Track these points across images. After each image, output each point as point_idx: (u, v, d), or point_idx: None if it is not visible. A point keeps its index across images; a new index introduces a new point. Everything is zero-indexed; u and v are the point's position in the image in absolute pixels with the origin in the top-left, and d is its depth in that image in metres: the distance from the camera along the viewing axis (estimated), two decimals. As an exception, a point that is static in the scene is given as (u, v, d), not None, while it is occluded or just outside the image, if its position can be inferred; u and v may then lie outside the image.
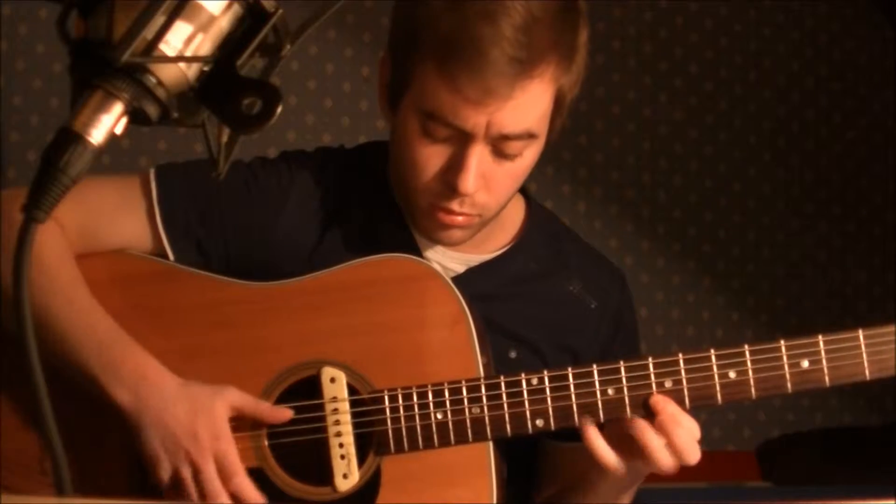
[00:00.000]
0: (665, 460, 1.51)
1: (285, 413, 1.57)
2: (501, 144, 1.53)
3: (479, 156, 1.53)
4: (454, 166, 1.53)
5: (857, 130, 4.09)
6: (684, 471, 1.55)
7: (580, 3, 1.57)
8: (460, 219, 1.59)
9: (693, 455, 1.51)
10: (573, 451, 1.63)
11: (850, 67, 4.09)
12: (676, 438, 1.50)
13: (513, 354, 1.66)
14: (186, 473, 1.54)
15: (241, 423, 1.58)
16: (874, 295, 4.03)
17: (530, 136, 1.54)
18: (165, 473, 1.55)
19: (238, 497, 1.55)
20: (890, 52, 4.05)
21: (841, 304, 4.00)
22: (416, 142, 1.54)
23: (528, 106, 1.52)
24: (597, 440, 1.53)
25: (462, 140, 1.52)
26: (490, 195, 1.57)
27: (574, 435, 1.57)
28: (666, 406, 1.52)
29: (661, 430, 1.51)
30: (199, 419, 1.54)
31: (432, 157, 1.55)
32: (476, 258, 1.69)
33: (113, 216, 1.67)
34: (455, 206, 1.57)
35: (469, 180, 1.53)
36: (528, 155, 1.57)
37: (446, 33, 1.48)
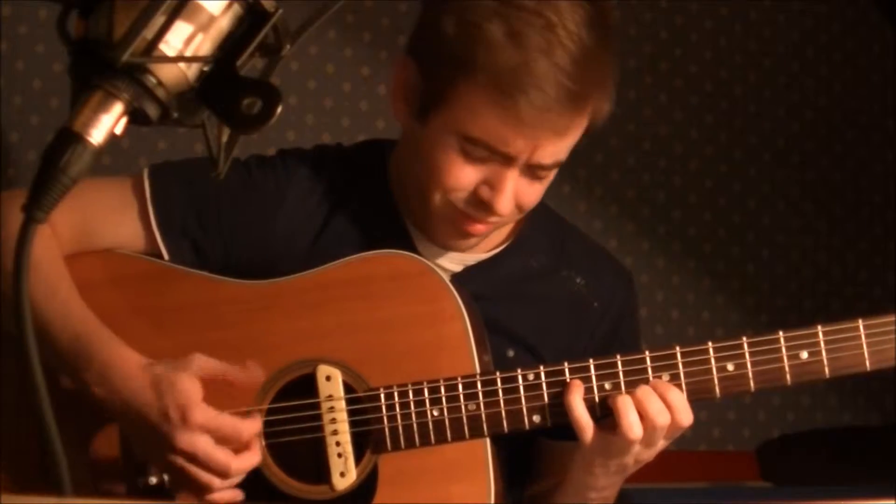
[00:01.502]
0: (633, 430, 1.50)
1: (258, 372, 1.56)
2: (535, 170, 1.56)
3: (514, 178, 1.55)
4: (490, 186, 1.55)
5: (857, 130, 4.09)
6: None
7: (614, 17, 1.57)
8: (482, 227, 1.61)
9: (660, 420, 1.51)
10: (570, 450, 1.63)
11: (850, 67, 4.09)
12: (649, 406, 1.50)
13: (510, 353, 1.66)
14: (182, 463, 1.53)
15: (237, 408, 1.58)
16: (874, 295, 4.03)
17: (559, 164, 1.58)
18: (163, 468, 1.55)
19: (241, 441, 1.54)
20: (890, 52, 4.04)
21: (841, 304, 4.00)
22: (452, 159, 1.55)
23: (570, 140, 1.55)
24: (575, 398, 1.53)
25: (501, 162, 1.53)
26: (516, 209, 1.60)
27: (570, 434, 1.57)
28: (665, 390, 1.52)
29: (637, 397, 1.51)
30: (166, 399, 1.52)
31: (468, 175, 1.56)
32: (472, 257, 1.69)
33: (107, 217, 1.67)
34: (482, 217, 1.57)
35: (505, 202, 1.56)
36: (552, 175, 1.60)
37: (509, 68, 1.48)
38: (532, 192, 1.59)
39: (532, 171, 1.56)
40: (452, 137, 1.54)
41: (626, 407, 1.51)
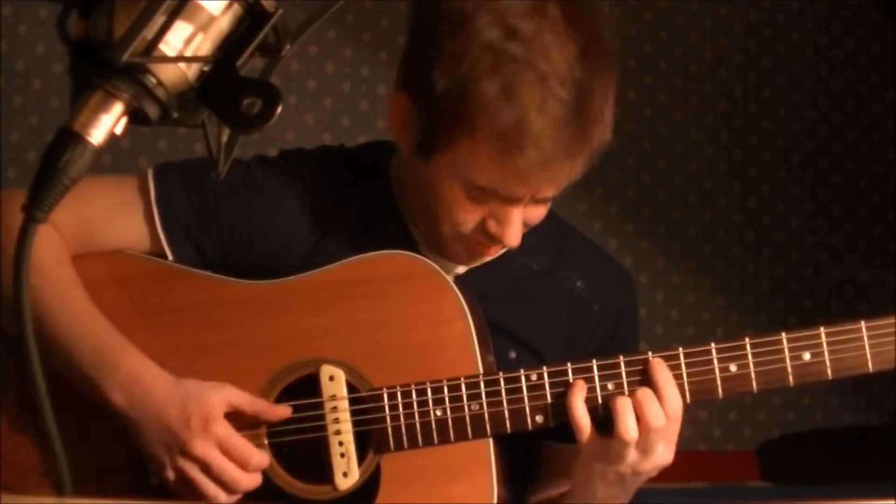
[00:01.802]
0: (629, 432, 1.50)
1: (284, 411, 1.58)
2: (539, 200, 1.57)
3: (521, 212, 1.56)
4: (499, 221, 1.56)
5: (857, 130, 4.09)
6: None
7: (606, 31, 1.55)
8: (495, 249, 1.63)
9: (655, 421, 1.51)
10: (570, 454, 1.62)
11: (850, 67, 4.09)
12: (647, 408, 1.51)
13: (512, 355, 1.66)
14: (192, 470, 1.54)
15: (240, 422, 1.58)
16: (874, 295, 4.03)
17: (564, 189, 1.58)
18: (170, 473, 1.55)
19: (247, 467, 1.55)
20: (890, 52, 4.05)
21: (841, 304, 4.00)
22: (457, 200, 1.56)
23: (573, 172, 1.56)
24: (576, 398, 1.53)
25: (506, 201, 1.55)
26: (525, 227, 1.60)
27: (571, 436, 1.57)
28: (659, 371, 1.53)
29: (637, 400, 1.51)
30: (190, 408, 1.54)
31: (474, 213, 1.57)
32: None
33: (111, 217, 1.67)
34: (493, 244, 1.60)
35: (515, 235, 1.57)
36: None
37: (506, 127, 1.48)
38: (539, 214, 1.61)
39: (537, 200, 1.58)
40: (455, 182, 1.55)
41: (624, 408, 1.51)
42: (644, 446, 1.52)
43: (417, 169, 1.60)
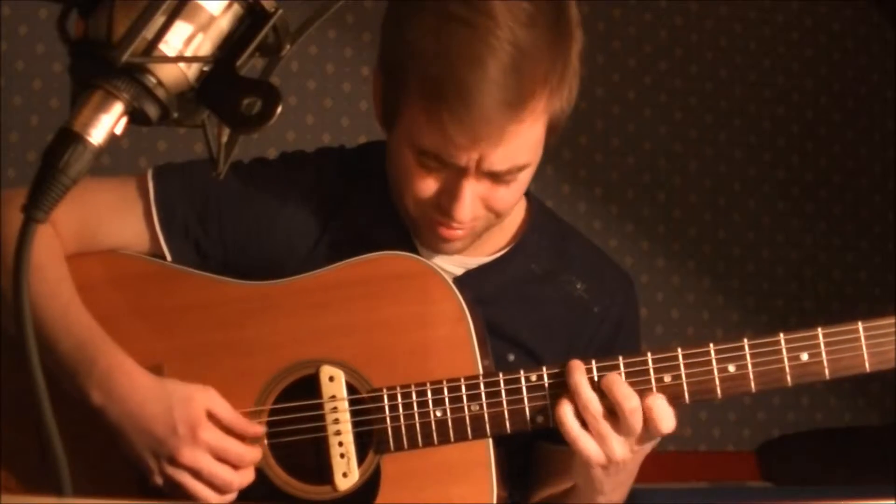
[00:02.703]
0: (591, 404, 1.51)
1: (258, 429, 1.57)
2: (494, 175, 1.53)
3: (472, 186, 1.53)
4: (449, 194, 1.53)
5: (857, 130, 4.09)
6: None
7: (571, 11, 1.53)
8: (460, 232, 1.59)
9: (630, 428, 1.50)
10: (568, 454, 1.62)
11: (850, 67, 4.09)
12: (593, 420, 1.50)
13: (511, 357, 1.66)
14: (183, 477, 1.54)
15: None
16: (874, 295, 4.03)
17: (522, 168, 1.54)
18: (158, 479, 1.55)
19: (243, 466, 1.56)
20: (890, 52, 4.05)
21: (841, 304, 4.00)
22: (411, 170, 1.54)
23: (519, 144, 1.51)
24: (563, 408, 1.53)
25: (454, 171, 1.52)
26: (490, 211, 1.58)
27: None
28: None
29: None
30: (175, 413, 1.53)
31: (428, 184, 1.55)
32: (474, 261, 1.68)
33: (110, 217, 1.67)
34: (450, 222, 1.57)
35: (464, 210, 1.53)
36: (524, 176, 1.57)
37: (433, 78, 1.46)
38: (502, 197, 1.57)
39: (492, 176, 1.54)
40: (407, 148, 1.54)
41: (578, 382, 1.51)
42: (627, 430, 1.51)
43: (389, 145, 1.60)
